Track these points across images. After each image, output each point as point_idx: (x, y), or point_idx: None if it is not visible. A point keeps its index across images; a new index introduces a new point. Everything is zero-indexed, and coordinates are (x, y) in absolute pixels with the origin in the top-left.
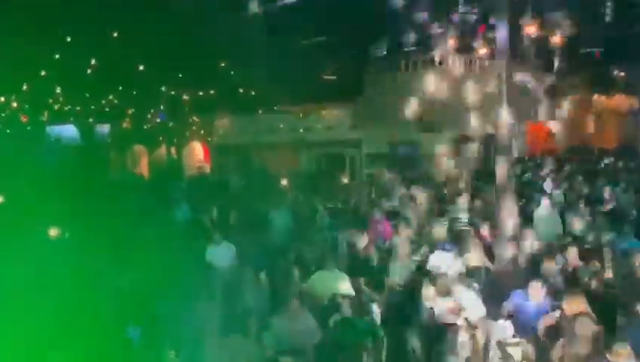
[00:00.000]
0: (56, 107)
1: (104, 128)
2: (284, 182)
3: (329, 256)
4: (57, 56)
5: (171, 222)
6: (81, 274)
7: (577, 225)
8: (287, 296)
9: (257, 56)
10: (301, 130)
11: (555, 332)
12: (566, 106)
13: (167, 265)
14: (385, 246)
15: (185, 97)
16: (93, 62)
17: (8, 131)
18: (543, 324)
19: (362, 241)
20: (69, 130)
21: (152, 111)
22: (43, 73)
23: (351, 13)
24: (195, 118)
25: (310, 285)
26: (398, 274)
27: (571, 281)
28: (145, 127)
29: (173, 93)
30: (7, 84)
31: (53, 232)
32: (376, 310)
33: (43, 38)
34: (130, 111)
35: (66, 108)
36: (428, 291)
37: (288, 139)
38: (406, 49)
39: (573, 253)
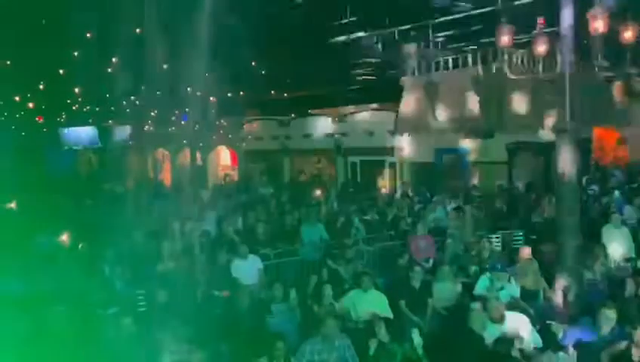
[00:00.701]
0: (74, 107)
1: (124, 130)
2: (317, 191)
3: (365, 273)
4: (76, 53)
5: (195, 233)
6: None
7: None
8: (320, 317)
9: (291, 54)
10: (336, 136)
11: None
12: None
13: (187, 280)
14: (428, 265)
15: (211, 98)
16: (114, 60)
17: (23, 133)
18: (608, 355)
19: (403, 259)
20: (87, 132)
21: (175, 112)
22: (61, 71)
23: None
24: (222, 120)
25: (344, 305)
26: (442, 296)
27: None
28: (168, 129)
29: (198, 93)
30: (23, 82)
31: (64, 238)
32: (417, 336)
33: (61, 34)
34: (152, 113)
35: (84, 110)
36: (477, 316)
37: (323, 145)
38: (454, 45)
39: None
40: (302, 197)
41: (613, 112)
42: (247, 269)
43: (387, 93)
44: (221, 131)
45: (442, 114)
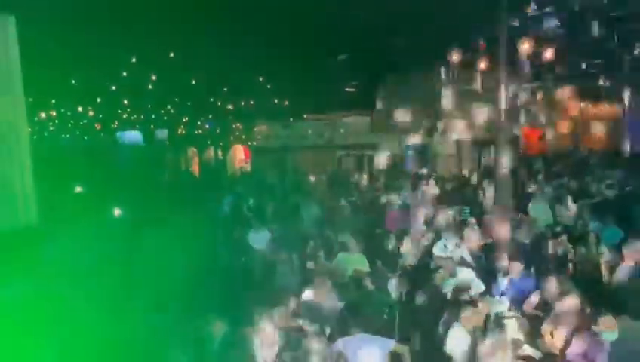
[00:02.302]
0: (124, 116)
1: (163, 133)
2: (312, 178)
3: (350, 240)
4: (124, 73)
5: (218, 211)
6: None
7: (566, 216)
8: (315, 274)
9: (290, 71)
10: (326, 135)
11: (544, 306)
12: (557, 113)
13: (213, 248)
14: (398, 233)
15: (229, 107)
16: (153, 77)
17: (86, 138)
18: (533, 300)
19: (380, 229)
20: (134, 136)
21: (202, 119)
22: (113, 88)
23: (369, 33)
24: (237, 124)
25: (335, 264)
26: (409, 258)
27: (560, 263)
28: (196, 132)
29: (219, 103)
30: (84, 97)
31: (117, 212)
32: (392, 286)
33: (112, 58)
34: (184, 119)
35: (132, 118)
36: (435, 272)
37: (316, 143)
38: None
39: (562, 239)
40: (300, 183)
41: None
42: (260, 239)
43: (366, 103)
44: (237, 133)
45: (406, 118)
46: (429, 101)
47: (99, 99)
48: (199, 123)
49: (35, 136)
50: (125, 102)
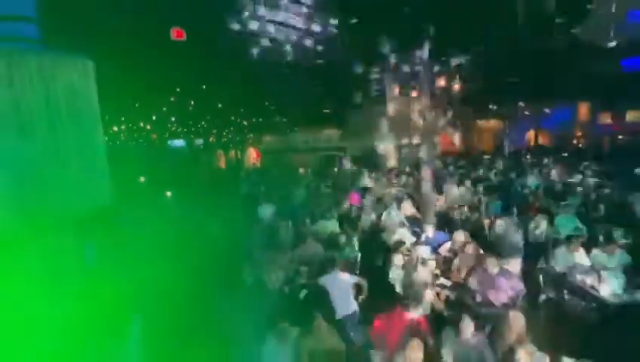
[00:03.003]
0: (172, 129)
1: (199, 141)
2: (301, 171)
3: (327, 212)
4: (172, 99)
5: (239, 193)
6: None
7: (465, 192)
8: (304, 235)
9: (286, 98)
10: (310, 142)
11: (452, 251)
12: (463, 125)
13: (236, 218)
14: (358, 207)
15: (244, 123)
16: (192, 102)
17: (145, 144)
18: (445, 247)
19: (347, 203)
20: (179, 143)
21: (226, 131)
22: (164, 109)
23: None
24: (251, 135)
25: (317, 228)
26: (366, 222)
27: (463, 225)
28: (223, 140)
29: (238, 120)
30: (143, 115)
31: (168, 193)
32: (355, 242)
33: (162, 88)
34: (214, 131)
35: (178, 130)
36: (384, 231)
37: (303, 148)
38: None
39: (465, 209)
40: (294, 174)
41: (449, 126)
42: (266, 211)
43: (337, 119)
44: (250, 140)
45: (367, 129)
46: (378, 117)
47: (154, 117)
48: (224, 133)
49: (110, 143)
50: (173, 119)
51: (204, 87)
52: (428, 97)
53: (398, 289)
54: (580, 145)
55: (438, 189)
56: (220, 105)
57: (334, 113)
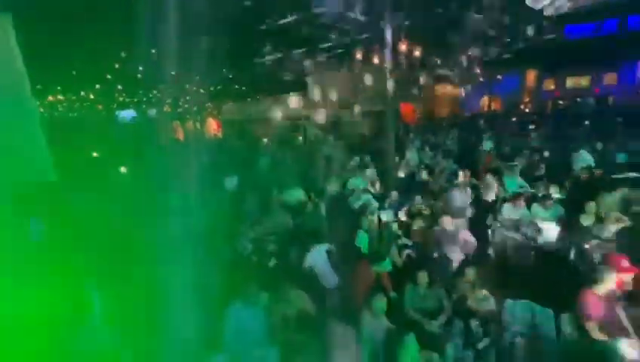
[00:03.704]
0: (120, 99)
1: (152, 111)
2: (265, 140)
3: (294, 180)
4: (117, 65)
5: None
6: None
7: (425, 156)
8: (271, 203)
9: (246, 65)
10: (273, 110)
11: (412, 214)
12: (422, 91)
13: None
14: (325, 174)
15: (202, 91)
16: (140, 69)
17: (89, 116)
18: (406, 210)
19: (313, 172)
20: (130, 113)
21: (182, 100)
22: (108, 77)
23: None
24: (209, 104)
25: (284, 196)
26: (332, 188)
27: (423, 187)
28: (178, 110)
29: (194, 88)
30: (84, 84)
31: (123, 169)
32: (322, 208)
33: (105, 53)
34: (168, 101)
35: (127, 100)
36: (349, 197)
37: (266, 116)
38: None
39: (424, 172)
40: (257, 143)
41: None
42: (231, 182)
43: (301, 86)
44: (209, 110)
45: (329, 97)
46: (343, 86)
47: (97, 86)
48: (180, 103)
49: (47, 115)
50: (120, 88)
51: (154, 51)
52: (390, 64)
53: (364, 251)
54: (527, 110)
55: (401, 155)
56: (172, 73)
57: (297, 81)
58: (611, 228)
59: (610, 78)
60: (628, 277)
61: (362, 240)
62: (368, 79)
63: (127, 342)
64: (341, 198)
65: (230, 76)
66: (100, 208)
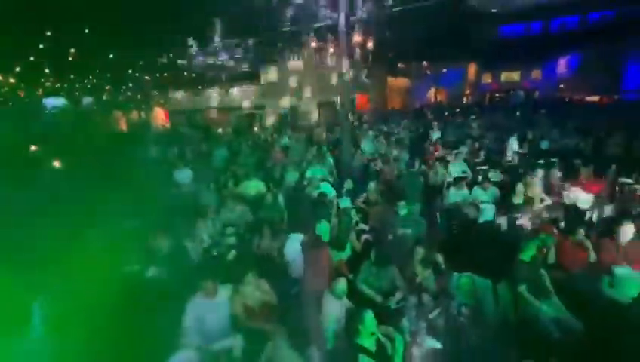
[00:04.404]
0: (47, 84)
1: (89, 99)
2: (219, 130)
3: (252, 171)
4: (41, 46)
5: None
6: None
7: (379, 146)
8: (227, 197)
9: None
10: (228, 100)
11: (368, 201)
12: (375, 84)
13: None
14: (282, 165)
15: (147, 78)
16: (72, 50)
17: (10, 103)
18: (362, 197)
19: (270, 162)
20: (59, 101)
21: (123, 87)
22: (32, 59)
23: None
24: (155, 92)
25: (241, 188)
26: (290, 178)
27: (376, 176)
28: (120, 98)
29: (137, 75)
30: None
31: (57, 163)
32: (281, 198)
33: (25, 30)
34: (107, 87)
35: (57, 86)
36: (308, 186)
37: (220, 105)
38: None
39: (379, 161)
40: (211, 133)
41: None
42: (184, 175)
43: (255, 77)
44: (155, 99)
45: (285, 87)
46: (298, 76)
47: (17, 68)
48: (122, 90)
49: None
50: (47, 71)
51: (87, 31)
52: (345, 55)
53: (325, 238)
54: (468, 101)
55: (355, 145)
56: (111, 56)
57: (251, 70)
58: (537, 205)
59: (536, 74)
60: (551, 241)
61: (322, 229)
62: (324, 70)
63: (82, 345)
64: (300, 188)
65: (178, 62)
66: (26, 209)
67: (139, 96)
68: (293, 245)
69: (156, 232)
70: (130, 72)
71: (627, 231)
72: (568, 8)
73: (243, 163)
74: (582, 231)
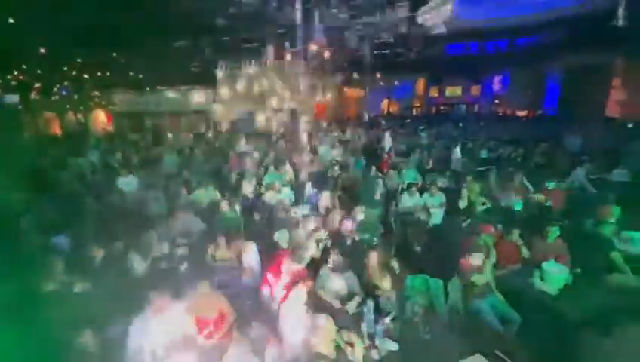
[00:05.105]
0: None
1: (13, 98)
2: (169, 135)
3: (206, 179)
4: None
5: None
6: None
7: (337, 153)
8: (178, 206)
9: (143, 52)
10: (179, 103)
11: (328, 207)
12: (333, 93)
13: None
14: (239, 172)
15: (85, 77)
16: None
17: None
18: (321, 204)
19: (225, 169)
20: None
21: (57, 86)
22: None
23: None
24: (96, 92)
25: (194, 198)
26: (247, 187)
27: (336, 182)
28: (52, 98)
29: (74, 73)
30: None
31: None
32: (237, 207)
33: None
34: (36, 85)
35: None
36: (266, 193)
37: (171, 109)
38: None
39: (336, 169)
40: (161, 138)
41: (322, 94)
42: (129, 183)
43: (208, 79)
44: (96, 99)
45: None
46: (256, 81)
47: None
48: (55, 90)
49: None
50: None
51: (12, 20)
52: (302, 63)
53: (284, 246)
54: (417, 113)
55: (314, 151)
56: (42, 51)
57: (205, 71)
58: (478, 208)
59: (475, 90)
60: (491, 241)
61: (281, 237)
62: (282, 76)
63: None
64: (257, 195)
65: (122, 60)
66: None
67: (76, 96)
68: (251, 254)
69: (88, 244)
70: (65, 69)
71: (553, 230)
72: (499, 33)
73: (196, 169)
74: (516, 231)
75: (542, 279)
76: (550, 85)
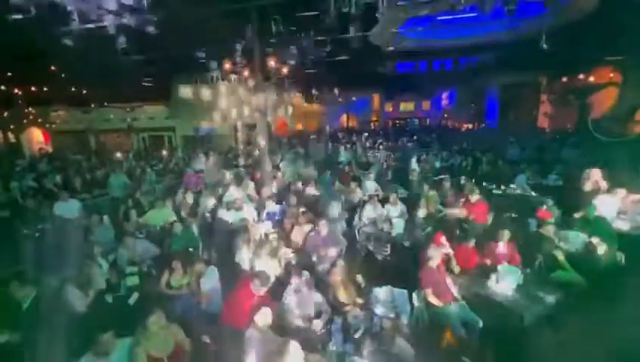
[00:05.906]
0: None
1: None
2: (118, 154)
3: (158, 199)
4: None
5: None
6: None
7: (298, 168)
8: (127, 230)
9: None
10: (129, 120)
11: (291, 223)
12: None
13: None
14: (196, 190)
15: (17, 92)
16: None
17: None
18: (287, 221)
19: (181, 189)
20: None
21: None
22: None
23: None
24: (30, 109)
25: (145, 219)
26: (206, 204)
27: (299, 197)
28: None
29: (3, 88)
30: None
31: None
32: (195, 228)
33: None
34: None
35: None
36: (224, 212)
37: (119, 126)
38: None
39: (299, 184)
40: (106, 159)
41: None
42: (69, 208)
43: (162, 94)
44: (31, 117)
45: (198, 107)
46: (211, 96)
47: None
48: None
49: None
50: None
51: None
52: (260, 78)
53: (246, 267)
54: (374, 127)
55: (276, 167)
56: None
57: (157, 85)
58: (436, 217)
59: (426, 105)
60: (448, 249)
61: (243, 258)
62: (239, 92)
63: None
64: (217, 214)
65: (62, 75)
66: None
67: (6, 113)
68: (210, 278)
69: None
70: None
71: (504, 234)
72: (443, 52)
73: (147, 190)
74: (473, 238)
75: (497, 281)
76: (490, 101)
